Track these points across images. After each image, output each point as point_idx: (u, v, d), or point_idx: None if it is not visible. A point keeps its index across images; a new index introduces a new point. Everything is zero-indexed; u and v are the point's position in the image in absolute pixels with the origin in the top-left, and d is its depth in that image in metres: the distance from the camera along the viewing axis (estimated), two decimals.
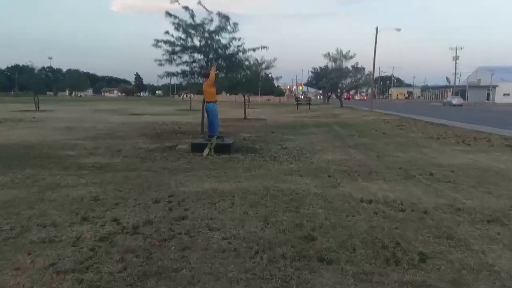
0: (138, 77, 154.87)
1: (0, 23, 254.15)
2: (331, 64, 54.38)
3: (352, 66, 54.34)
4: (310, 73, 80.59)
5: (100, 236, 4.45)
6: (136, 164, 9.15)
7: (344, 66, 53.15)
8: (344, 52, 51.77)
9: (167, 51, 15.33)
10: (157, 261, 3.76)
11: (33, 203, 5.83)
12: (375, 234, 4.38)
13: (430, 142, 13.39)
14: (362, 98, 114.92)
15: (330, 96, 78.02)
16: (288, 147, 12.07)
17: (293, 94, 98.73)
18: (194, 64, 15.95)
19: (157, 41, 15.32)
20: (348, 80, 57.30)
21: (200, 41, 15.53)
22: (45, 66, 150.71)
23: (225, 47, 15.80)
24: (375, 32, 45.08)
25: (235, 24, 15.50)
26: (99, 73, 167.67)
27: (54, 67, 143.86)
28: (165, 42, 15.27)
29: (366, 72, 54.80)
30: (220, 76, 16.19)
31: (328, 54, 52.21)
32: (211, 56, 15.48)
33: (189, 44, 15.50)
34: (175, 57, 15.57)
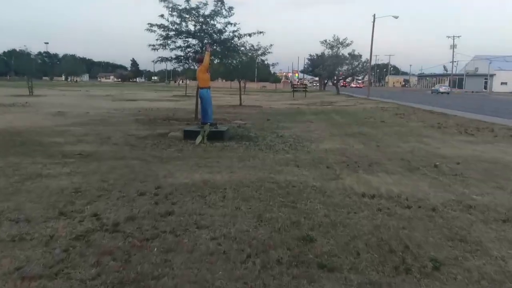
0: (134, 63, 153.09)
1: None
2: (327, 51, 53.83)
3: (349, 54, 53.82)
4: (306, 61, 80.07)
5: (76, 234, 4.01)
6: (125, 152, 8.68)
7: (341, 53, 52.61)
8: (341, 39, 51.14)
9: (161, 35, 14.77)
10: (136, 265, 3.33)
11: (10, 194, 5.37)
12: (380, 235, 3.96)
13: (432, 131, 12.98)
14: (358, 85, 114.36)
15: (326, 83, 77.64)
16: (284, 135, 11.63)
17: (289, 81, 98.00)
18: (188, 49, 15.41)
19: (151, 25, 14.74)
20: (345, 67, 56.83)
21: (194, 25, 14.97)
22: (42, 51, 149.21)
23: (220, 32, 15.25)
24: (372, 20, 44.39)
25: (230, 8, 14.94)
26: (96, 58, 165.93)
27: (51, 52, 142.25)
28: (159, 26, 14.70)
29: (363, 59, 54.30)
30: (215, 62, 15.67)
31: (325, 41, 51.69)
32: (205, 41, 14.93)
33: (184, 28, 14.94)
34: (169, 42, 15.01)
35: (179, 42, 15.08)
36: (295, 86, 53.56)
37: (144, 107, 22.58)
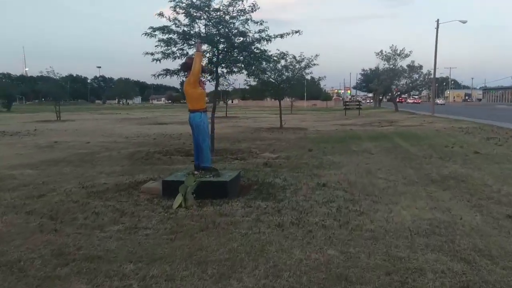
0: (182, 84, 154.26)
1: (56, 37, 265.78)
2: (383, 64, 48.31)
3: (408, 65, 48.03)
4: (359, 76, 74.62)
5: None
6: (24, 236, 4.74)
7: (398, 66, 46.95)
8: (398, 50, 45.59)
9: (162, 40, 10.99)
10: None
11: None
12: None
13: None
14: (415, 101, 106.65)
15: (381, 99, 71.53)
16: (329, 182, 7.25)
17: (341, 98, 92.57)
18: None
19: (153, 29, 10.98)
20: (403, 81, 51.01)
21: (205, 25, 11.08)
22: (98, 76, 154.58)
23: (243, 34, 11.22)
24: (435, 26, 38.84)
25: (254, 5, 10.90)
26: (149, 81, 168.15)
27: (106, 76, 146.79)
28: (160, 29, 10.92)
29: (424, 71, 48.29)
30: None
31: (381, 52, 46.15)
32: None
33: (193, 31, 11.07)
34: (174, 49, 11.19)
35: (187, 49, 11.23)
36: (347, 103, 48.51)
37: (167, 132, 18.98)
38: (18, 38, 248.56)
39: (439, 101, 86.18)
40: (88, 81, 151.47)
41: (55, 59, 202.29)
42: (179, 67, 7.23)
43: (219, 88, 13.20)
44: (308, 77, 28.23)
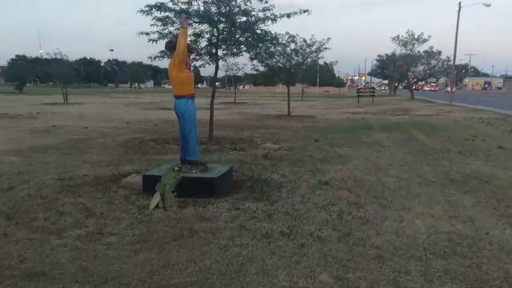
0: (195, 69, 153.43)
1: (71, 19, 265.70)
2: (400, 49, 46.58)
3: (425, 51, 46.29)
4: (374, 62, 72.67)
5: None
6: None
7: (416, 51, 45.23)
8: (416, 35, 43.83)
9: (157, 19, 10.16)
10: None
11: None
12: None
13: None
14: (432, 88, 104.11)
15: (397, 86, 69.75)
16: (332, 180, 6.43)
17: (355, 85, 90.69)
18: (199, 40, 10.68)
19: (149, 6, 10.13)
20: (420, 67, 49.31)
21: (204, 3, 10.19)
22: (111, 59, 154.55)
23: (245, 13, 10.31)
24: (457, 10, 37.12)
25: None
26: (161, 65, 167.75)
27: (120, 60, 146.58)
28: (158, 8, 10.06)
29: (443, 57, 46.49)
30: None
31: (397, 37, 44.47)
32: (221, 25, 10.16)
33: (191, 8, 10.21)
34: (172, 28, 10.34)
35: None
36: (360, 90, 47.08)
37: (170, 118, 18.23)
38: (34, 21, 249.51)
39: (453, 88, 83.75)
40: (102, 64, 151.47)
41: (70, 41, 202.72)
42: (167, 47, 6.35)
43: (229, 73, 12.36)
44: (321, 61, 26.94)
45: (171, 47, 5.87)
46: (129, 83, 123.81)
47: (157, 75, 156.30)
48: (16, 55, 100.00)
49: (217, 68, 10.93)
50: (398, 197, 5.53)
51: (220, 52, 10.76)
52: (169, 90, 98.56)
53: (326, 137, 11.93)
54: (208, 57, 10.73)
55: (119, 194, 5.58)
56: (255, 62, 14.13)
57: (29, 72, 61.98)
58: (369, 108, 27.50)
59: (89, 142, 10.74)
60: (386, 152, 9.35)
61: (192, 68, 6.22)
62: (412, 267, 3.38)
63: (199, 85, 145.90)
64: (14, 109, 22.76)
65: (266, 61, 11.55)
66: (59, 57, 32.05)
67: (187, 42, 5.95)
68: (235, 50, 10.64)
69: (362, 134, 12.59)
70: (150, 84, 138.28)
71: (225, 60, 11.21)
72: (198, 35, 10.55)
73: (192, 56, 10.85)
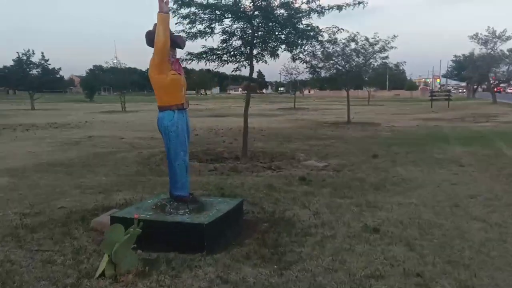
0: (260, 74, 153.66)
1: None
2: (479, 49, 41.91)
3: (509, 50, 41.28)
4: (450, 63, 67.10)
5: None
6: None
7: (497, 50, 40.39)
8: (497, 32, 39.04)
9: (182, 16, 8.69)
10: None
11: None
12: None
13: None
14: None
15: (476, 89, 63.57)
16: (385, 224, 4.42)
17: (428, 88, 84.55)
18: (231, 39, 9.03)
19: (178, 4, 8.68)
20: (503, 67, 44.08)
21: None
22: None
23: (285, 5, 8.50)
24: None
25: None
26: (228, 72, 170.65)
27: (188, 68, 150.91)
28: (187, 4, 8.58)
29: None
30: (272, 50, 8.98)
31: (476, 35, 39.97)
32: (256, 20, 8.45)
33: (220, 3, 8.60)
34: (200, 26, 8.83)
35: (217, 27, 8.81)
36: (434, 93, 42.90)
37: (217, 127, 16.89)
38: (112, 32, 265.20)
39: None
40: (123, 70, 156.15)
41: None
42: (147, 41, 4.67)
43: (294, 79, 10.60)
44: (388, 62, 24.24)
45: (151, 39, 4.21)
46: (195, 90, 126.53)
47: (223, 81, 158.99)
48: (94, 65, 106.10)
49: (251, 69, 9.23)
50: (487, 265, 3.43)
51: (255, 51, 9.06)
52: (234, 96, 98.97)
53: (388, 151, 9.74)
54: (243, 58, 9.02)
55: (74, 244, 4.03)
56: (294, 62, 12.22)
57: (101, 81, 64.74)
58: (444, 114, 24.31)
59: (108, 157, 9.50)
60: (465, 175, 7.05)
61: (183, 69, 4.54)
62: None
63: (264, 91, 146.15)
64: (69, 117, 22.79)
65: (307, 61, 9.55)
66: (118, 65, 32.32)
67: (173, 32, 4.29)
68: (272, 47, 8.85)
69: (434, 148, 10.21)
70: (216, 90, 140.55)
71: (264, 61, 9.41)
72: (232, 34, 8.91)
73: (224, 58, 9.37)
